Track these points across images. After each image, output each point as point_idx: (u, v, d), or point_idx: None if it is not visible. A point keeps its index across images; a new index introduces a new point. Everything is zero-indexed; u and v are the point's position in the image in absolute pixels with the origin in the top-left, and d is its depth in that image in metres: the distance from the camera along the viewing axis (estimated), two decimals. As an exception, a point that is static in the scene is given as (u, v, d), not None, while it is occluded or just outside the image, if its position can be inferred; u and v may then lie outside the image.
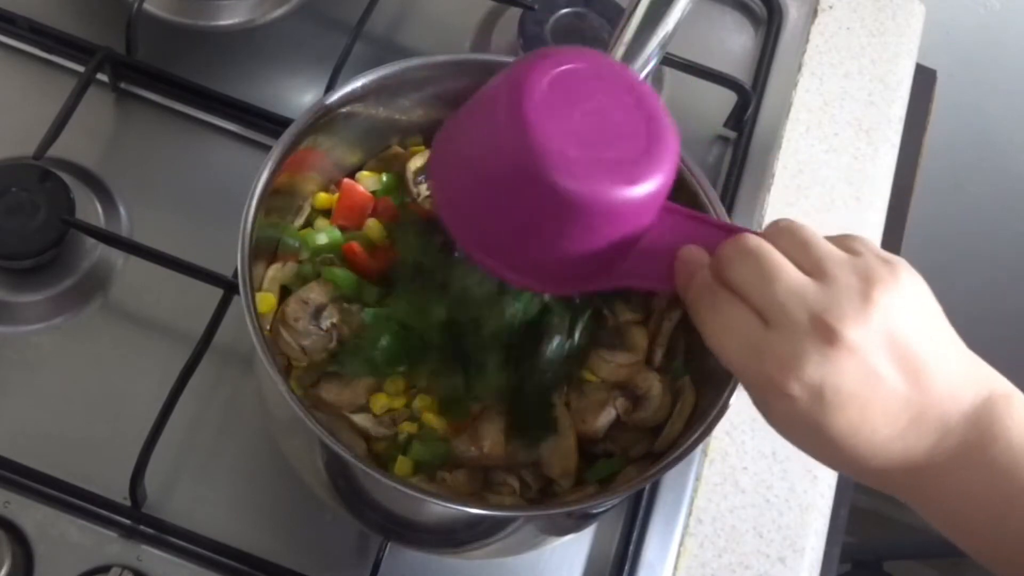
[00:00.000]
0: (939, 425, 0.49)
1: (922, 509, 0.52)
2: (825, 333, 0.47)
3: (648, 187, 0.52)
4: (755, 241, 0.51)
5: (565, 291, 0.59)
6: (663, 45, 0.69)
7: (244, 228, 0.59)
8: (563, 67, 0.53)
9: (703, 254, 0.54)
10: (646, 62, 0.68)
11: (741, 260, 0.51)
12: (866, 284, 0.48)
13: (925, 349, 0.49)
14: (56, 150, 0.78)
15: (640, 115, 0.54)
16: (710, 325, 0.51)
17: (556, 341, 0.64)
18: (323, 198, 0.70)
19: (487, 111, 0.55)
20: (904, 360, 0.48)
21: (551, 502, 0.65)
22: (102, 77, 0.83)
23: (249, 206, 0.60)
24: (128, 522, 0.71)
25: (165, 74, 0.84)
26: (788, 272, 0.49)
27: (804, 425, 0.49)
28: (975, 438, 0.49)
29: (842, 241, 0.51)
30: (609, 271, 0.56)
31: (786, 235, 0.51)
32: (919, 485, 0.51)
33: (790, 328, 0.48)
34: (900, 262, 0.50)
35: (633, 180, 0.52)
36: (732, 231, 0.55)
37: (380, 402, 0.64)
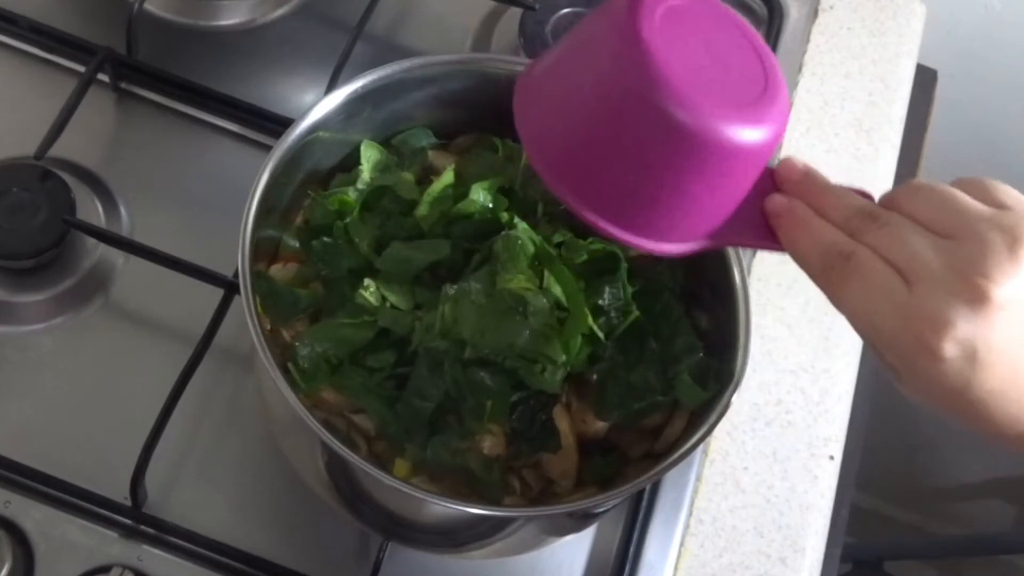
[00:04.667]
0: None
1: None
2: (974, 291, 0.46)
3: (767, 130, 0.50)
4: (892, 198, 0.50)
5: (664, 248, 0.54)
6: (663, 45, 0.69)
7: (244, 228, 0.60)
8: (674, 1, 0.50)
9: (793, 202, 0.52)
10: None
11: (878, 220, 0.50)
12: (1013, 239, 0.47)
13: None
14: (57, 150, 0.77)
15: (755, 57, 0.51)
16: (850, 287, 0.49)
17: None
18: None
19: (595, 40, 0.51)
20: None
21: (551, 502, 0.65)
22: (103, 77, 0.83)
23: (249, 206, 0.60)
24: (129, 522, 0.70)
25: (165, 74, 0.84)
26: (927, 232, 0.48)
27: (950, 387, 0.48)
28: None
29: (985, 192, 0.50)
30: (714, 226, 0.53)
31: (923, 194, 0.50)
32: None
33: (938, 287, 0.47)
34: None
35: (755, 121, 0.49)
36: (842, 192, 0.53)
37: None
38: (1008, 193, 0.50)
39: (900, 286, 0.48)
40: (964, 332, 0.47)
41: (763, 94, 0.50)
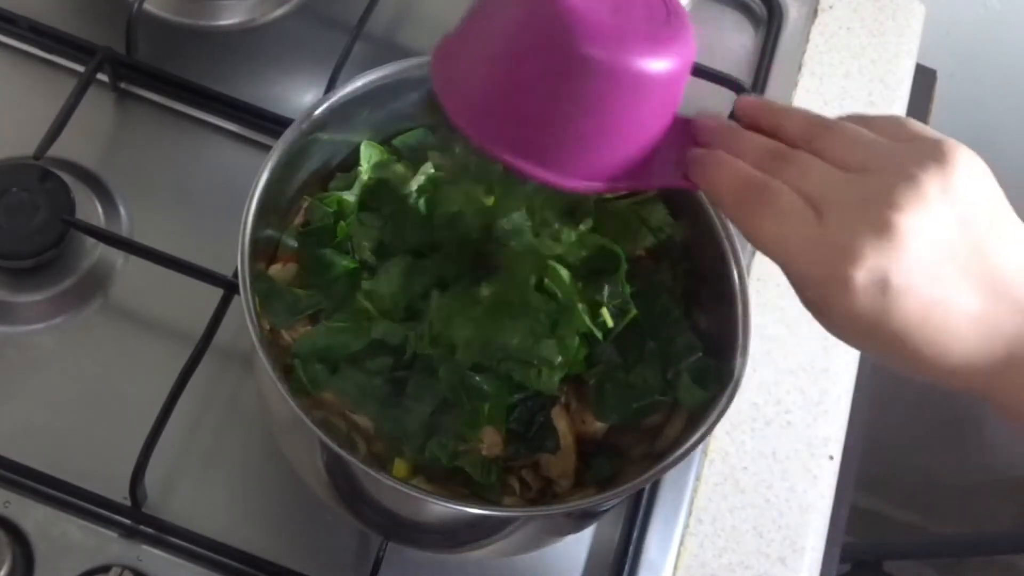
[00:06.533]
0: (1019, 309, 0.48)
1: (1007, 411, 0.50)
2: (882, 221, 0.47)
3: (670, 62, 0.51)
4: (803, 138, 0.51)
5: (582, 186, 0.55)
6: (663, 45, 0.69)
7: (244, 228, 0.59)
8: None
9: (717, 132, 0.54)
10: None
11: (788, 158, 0.51)
12: (919, 170, 0.48)
13: (989, 232, 0.48)
14: (56, 150, 0.77)
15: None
16: (763, 219, 0.50)
17: None
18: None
19: None
20: (970, 244, 0.48)
21: (551, 502, 0.65)
22: (102, 77, 0.83)
23: (249, 206, 0.60)
24: (128, 522, 0.71)
25: (165, 74, 0.84)
26: (838, 169, 0.49)
27: (866, 319, 0.48)
28: None
29: (894, 127, 0.51)
30: (627, 166, 0.54)
31: (833, 132, 0.51)
32: (1003, 383, 0.49)
33: (847, 218, 0.47)
34: (954, 146, 0.50)
35: (661, 52, 0.51)
36: (754, 135, 0.54)
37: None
38: (915, 126, 0.51)
39: (812, 217, 0.48)
40: (874, 261, 0.47)
41: (666, 28, 0.52)
